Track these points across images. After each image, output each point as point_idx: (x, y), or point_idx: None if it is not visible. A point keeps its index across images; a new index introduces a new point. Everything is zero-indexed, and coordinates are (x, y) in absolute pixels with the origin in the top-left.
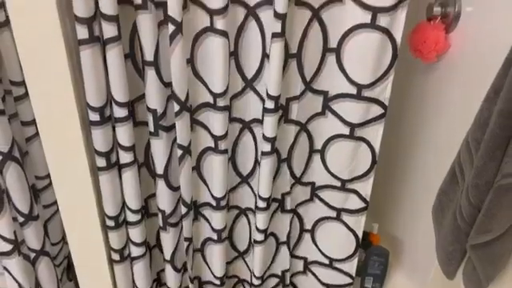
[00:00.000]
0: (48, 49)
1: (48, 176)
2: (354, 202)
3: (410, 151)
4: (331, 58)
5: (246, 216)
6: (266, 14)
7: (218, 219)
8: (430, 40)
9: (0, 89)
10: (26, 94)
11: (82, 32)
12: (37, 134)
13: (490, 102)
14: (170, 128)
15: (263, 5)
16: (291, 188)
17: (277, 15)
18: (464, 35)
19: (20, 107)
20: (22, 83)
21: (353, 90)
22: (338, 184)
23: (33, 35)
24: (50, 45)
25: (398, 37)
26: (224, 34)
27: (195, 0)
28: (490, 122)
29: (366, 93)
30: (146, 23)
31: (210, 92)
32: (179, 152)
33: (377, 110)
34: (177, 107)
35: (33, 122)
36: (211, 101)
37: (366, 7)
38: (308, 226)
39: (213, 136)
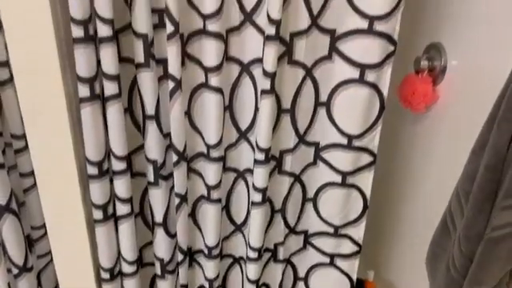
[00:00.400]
0: (49, 106)
1: (44, 226)
2: (347, 247)
3: (402, 198)
4: (322, 112)
5: (240, 265)
6: (258, 72)
7: (210, 268)
8: (418, 92)
9: (1, 142)
10: (26, 147)
11: (84, 90)
12: (34, 185)
13: (476, 155)
14: (168, 177)
15: (256, 62)
16: (285, 238)
17: (265, 73)
18: (451, 87)
19: (19, 159)
20: (23, 136)
21: (344, 141)
22: (331, 230)
23: (35, 93)
24: (52, 102)
25: (385, 91)
26: (218, 90)
27: (192, 57)
28: (477, 175)
29: (356, 143)
30: (147, 80)
31: (205, 143)
32: (176, 200)
33: (367, 158)
34: (175, 157)
35: (31, 174)
36: (205, 151)
37: (354, 64)
38: (301, 274)
39: (206, 185)
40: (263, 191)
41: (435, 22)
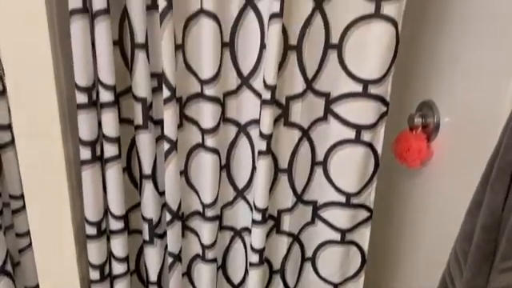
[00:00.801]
0: (49, 169)
1: (38, 286)
2: None
3: (400, 253)
4: (319, 171)
5: None
6: (255, 132)
7: None
8: (413, 148)
9: None
10: (24, 207)
11: (85, 153)
12: (30, 245)
13: (472, 216)
14: (164, 235)
15: (253, 123)
16: None
17: (262, 135)
18: (445, 144)
19: (16, 219)
20: (21, 197)
21: (341, 199)
22: None
23: (36, 156)
24: (52, 165)
25: (379, 149)
26: (214, 151)
27: (189, 119)
28: (474, 235)
29: (354, 200)
30: (145, 141)
31: (201, 202)
32: (170, 260)
33: (364, 214)
34: (169, 216)
35: (27, 234)
36: (201, 210)
37: (349, 125)
38: None
39: (201, 244)
40: (260, 252)
41: (426, 80)
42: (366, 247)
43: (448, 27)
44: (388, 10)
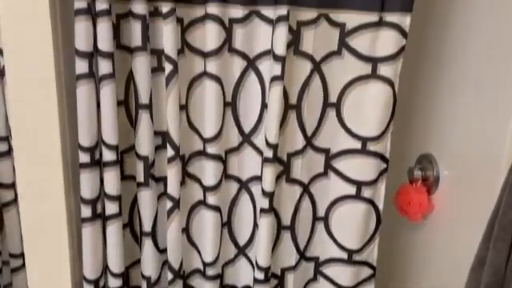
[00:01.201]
0: (50, 227)
1: None
2: None
3: None
4: (321, 227)
5: None
6: (257, 189)
7: None
8: (414, 202)
9: None
10: (23, 266)
11: (86, 211)
12: None
13: (476, 273)
14: None
15: (254, 180)
16: None
17: (264, 193)
18: (446, 197)
19: (16, 278)
20: (21, 255)
21: (343, 255)
22: None
23: (38, 215)
24: (53, 224)
25: (381, 205)
26: (216, 208)
27: (191, 176)
28: None
29: (356, 257)
30: (146, 199)
31: (202, 260)
32: None
33: (367, 272)
34: (170, 275)
35: None
36: (202, 268)
37: (349, 181)
38: None
39: None
40: None
41: (425, 134)
42: None
43: (446, 80)
44: (384, 71)
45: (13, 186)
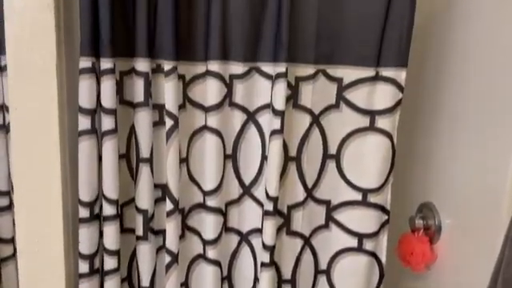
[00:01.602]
0: (49, 284)
1: None
2: None
3: None
4: (323, 279)
5: None
6: (257, 241)
7: None
8: (416, 252)
9: None
10: None
11: (84, 267)
12: None
13: None
14: None
15: (255, 232)
16: None
17: (265, 246)
18: (448, 246)
19: None
20: None
21: None
22: None
23: (36, 271)
24: (52, 281)
25: (383, 258)
26: (216, 262)
27: (191, 229)
28: None
29: None
30: (145, 252)
31: None
32: None
33: None
34: None
35: None
36: None
37: (351, 233)
38: None
39: None
40: None
41: (424, 182)
42: None
43: (444, 128)
44: (382, 123)
45: (12, 240)
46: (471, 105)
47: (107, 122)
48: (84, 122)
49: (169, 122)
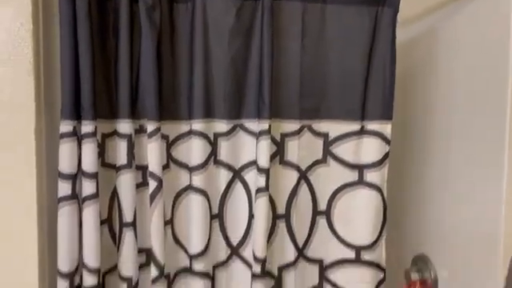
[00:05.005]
0: None
1: None
2: None
3: None
4: None
5: None
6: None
7: None
8: None
9: None
10: None
11: None
12: None
13: None
14: None
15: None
16: None
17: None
18: None
19: None
20: None
21: None
22: None
23: None
24: None
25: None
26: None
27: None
28: None
29: None
30: None
31: None
32: None
33: None
34: None
35: None
36: None
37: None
38: None
39: None
40: None
41: (418, 234)
42: None
43: (433, 178)
44: (371, 177)
45: None
46: (461, 154)
47: (88, 187)
48: (64, 188)
49: (152, 184)
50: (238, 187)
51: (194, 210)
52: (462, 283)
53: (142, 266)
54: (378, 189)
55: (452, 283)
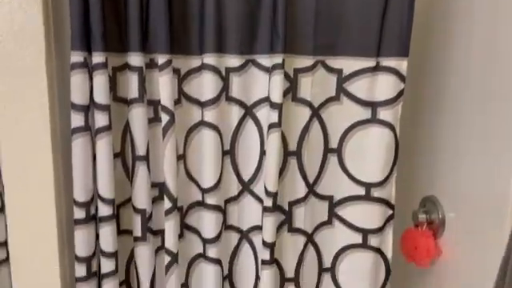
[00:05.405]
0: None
1: None
2: None
3: None
4: (327, 277)
5: None
6: (258, 239)
7: None
8: (421, 247)
9: None
10: None
11: (81, 270)
12: None
13: None
14: None
15: (255, 230)
16: None
17: (265, 244)
18: (453, 240)
19: None
20: None
21: None
22: None
23: (30, 275)
24: (47, 285)
25: (389, 254)
26: (216, 261)
27: (190, 228)
28: None
29: None
30: (144, 254)
31: None
32: None
33: None
34: None
35: None
36: None
37: (355, 229)
38: None
39: None
40: None
41: (427, 176)
42: None
43: (448, 119)
44: (384, 115)
45: (5, 244)
46: (477, 99)
47: (101, 119)
48: (77, 119)
49: (165, 118)
50: (250, 124)
51: (206, 145)
52: (469, 225)
53: (155, 200)
54: (391, 126)
55: (459, 225)
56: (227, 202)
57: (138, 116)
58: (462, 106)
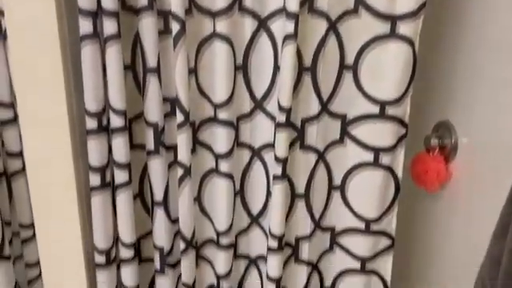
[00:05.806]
0: (60, 196)
1: None
2: None
3: (422, 280)
4: (337, 195)
5: None
6: (269, 157)
7: None
8: (431, 171)
9: (8, 231)
10: (33, 236)
11: (95, 179)
12: (39, 275)
13: (498, 239)
14: (176, 265)
15: (267, 147)
16: None
17: (277, 159)
18: (464, 165)
19: (26, 249)
20: (31, 226)
21: (361, 225)
22: None
23: (46, 183)
24: (63, 193)
25: (400, 173)
26: (228, 176)
27: (203, 144)
28: (502, 260)
29: (374, 226)
30: (157, 167)
31: (215, 229)
32: None
33: (385, 242)
34: (183, 245)
35: (37, 264)
36: (215, 238)
37: (367, 148)
38: None
39: (216, 274)
40: (277, 281)
41: (442, 100)
42: (388, 277)
43: (466, 41)
44: (404, 29)
45: (20, 154)
46: (500, 16)
47: (109, 26)
48: (85, 25)
49: (175, 27)
50: (264, 37)
51: (218, 58)
52: (481, 150)
53: (167, 115)
54: (410, 42)
55: (471, 150)
56: (239, 118)
57: (147, 26)
58: (484, 31)
